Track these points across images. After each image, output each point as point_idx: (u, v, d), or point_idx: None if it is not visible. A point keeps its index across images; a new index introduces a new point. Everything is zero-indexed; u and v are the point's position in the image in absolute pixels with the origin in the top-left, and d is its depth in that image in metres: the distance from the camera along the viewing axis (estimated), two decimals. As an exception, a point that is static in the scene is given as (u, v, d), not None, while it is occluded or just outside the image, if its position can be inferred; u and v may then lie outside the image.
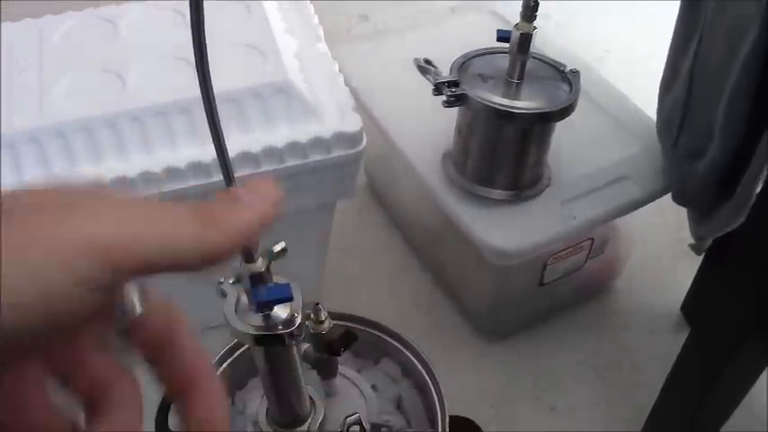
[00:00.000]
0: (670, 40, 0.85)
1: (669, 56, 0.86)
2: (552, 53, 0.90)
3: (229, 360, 0.82)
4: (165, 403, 0.79)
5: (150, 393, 0.96)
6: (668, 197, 0.90)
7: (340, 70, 0.89)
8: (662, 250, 1.15)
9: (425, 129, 0.95)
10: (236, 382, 0.84)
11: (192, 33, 0.43)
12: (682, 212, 0.93)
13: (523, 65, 0.82)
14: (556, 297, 1.01)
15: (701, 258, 0.97)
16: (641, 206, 0.90)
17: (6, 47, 0.85)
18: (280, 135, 0.79)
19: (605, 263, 1.02)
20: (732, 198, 0.75)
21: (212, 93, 0.45)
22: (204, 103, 0.46)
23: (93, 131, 0.76)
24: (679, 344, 0.83)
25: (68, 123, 0.76)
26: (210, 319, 0.98)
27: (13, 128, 0.75)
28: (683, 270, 1.06)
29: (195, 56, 0.43)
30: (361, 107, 0.96)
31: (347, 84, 0.88)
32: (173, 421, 0.78)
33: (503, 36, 0.81)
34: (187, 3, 0.41)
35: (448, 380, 0.80)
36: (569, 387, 0.99)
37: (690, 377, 0.81)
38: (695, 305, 1.04)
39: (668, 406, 0.84)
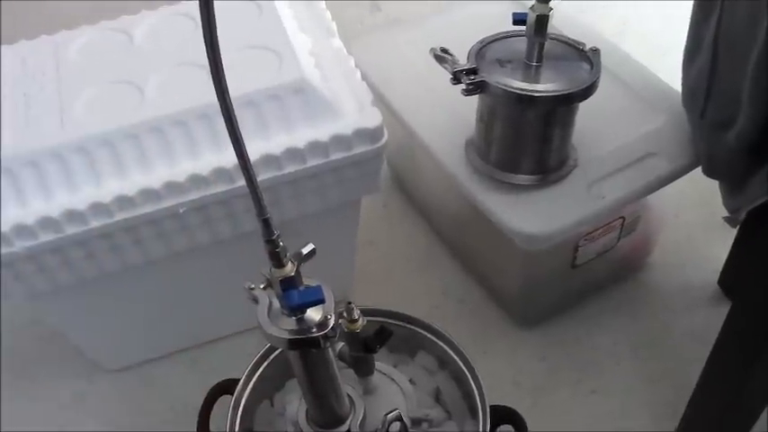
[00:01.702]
0: (691, 10, 0.83)
1: (691, 25, 0.84)
2: (570, 32, 0.88)
3: (267, 362, 0.82)
4: (206, 406, 0.80)
5: (188, 394, 0.97)
6: (700, 170, 0.89)
7: (356, 65, 0.88)
8: (695, 224, 1.13)
9: (446, 118, 0.95)
10: (273, 383, 0.84)
11: (205, 40, 0.42)
12: (713, 183, 0.91)
13: (541, 47, 0.81)
14: (589, 279, 1.00)
15: (736, 230, 0.95)
16: (671, 181, 0.89)
17: (24, 64, 0.86)
18: (300, 135, 0.79)
19: (638, 241, 1.00)
20: (764, 167, 0.74)
21: (229, 99, 0.45)
22: (222, 109, 0.46)
23: (114, 145, 0.76)
24: (718, 318, 0.82)
25: (90, 138, 0.76)
26: (245, 322, 0.99)
27: (35, 146, 0.76)
28: (718, 243, 1.04)
29: (210, 63, 0.43)
30: (380, 100, 0.96)
31: (364, 78, 0.87)
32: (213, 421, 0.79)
33: (519, 19, 0.80)
34: (197, 7, 0.41)
35: (483, 368, 0.79)
36: (608, 369, 0.98)
37: (733, 353, 0.80)
38: (733, 278, 1.02)
39: (712, 383, 0.82)
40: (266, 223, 0.51)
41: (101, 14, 0.94)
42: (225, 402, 0.79)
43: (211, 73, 0.44)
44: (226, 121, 0.46)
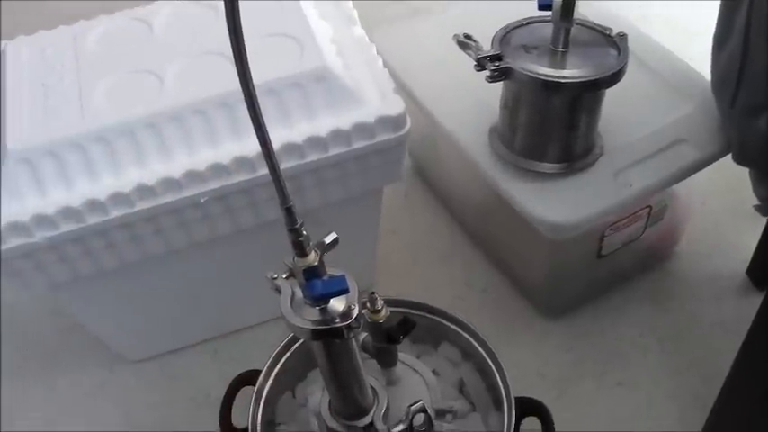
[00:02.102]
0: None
1: (721, 11, 0.82)
2: (596, 17, 0.87)
3: (289, 352, 0.81)
4: (228, 397, 0.80)
5: (209, 385, 0.97)
6: (727, 157, 0.87)
7: (378, 53, 0.87)
8: (723, 213, 1.11)
9: (469, 105, 0.93)
10: (296, 374, 0.84)
11: (228, 28, 0.42)
12: (743, 171, 0.90)
13: (567, 32, 0.79)
14: (615, 268, 0.98)
15: (766, 219, 0.93)
16: (699, 169, 0.87)
17: (43, 54, 0.85)
18: (322, 124, 0.78)
19: (664, 230, 0.98)
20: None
21: (253, 87, 0.44)
22: (245, 97, 0.45)
23: (134, 134, 0.76)
24: (747, 308, 0.80)
25: (110, 127, 0.76)
26: (267, 313, 0.98)
27: (55, 135, 0.75)
28: (746, 232, 1.02)
29: (233, 51, 0.42)
30: (402, 89, 0.94)
31: (386, 66, 0.86)
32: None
33: (544, 4, 0.78)
34: (218, -4, 0.40)
35: (507, 359, 0.78)
36: (635, 360, 0.97)
37: (766, 344, 0.78)
38: (762, 268, 1.00)
39: (744, 375, 0.80)
40: (289, 212, 0.51)
41: (104, 9, 0.93)
42: (247, 393, 0.79)
43: (235, 61, 0.43)
44: (249, 110, 0.45)
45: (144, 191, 0.75)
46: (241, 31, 0.42)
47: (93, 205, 0.75)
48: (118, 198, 0.75)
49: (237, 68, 0.43)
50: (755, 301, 0.80)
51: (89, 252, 0.79)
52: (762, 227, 0.96)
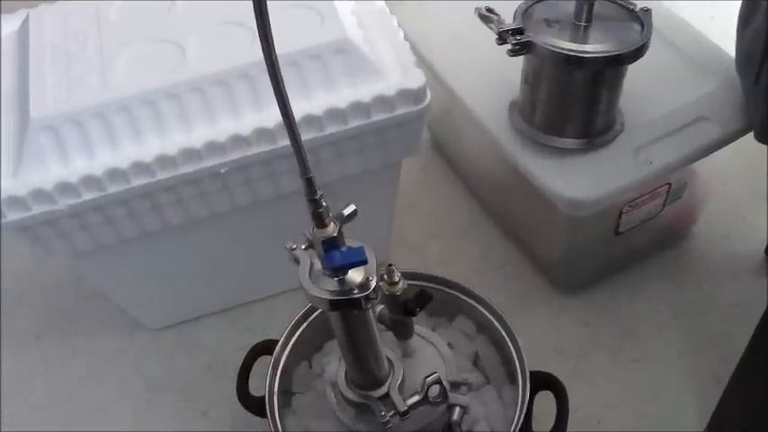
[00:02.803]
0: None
1: (747, -13, 0.81)
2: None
3: (305, 323, 0.82)
4: (245, 366, 0.81)
5: (226, 354, 0.98)
6: (749, 137, 0.86)
7: (399, 25, 0.86)
8: (743, 192, 1.10)
9: (489, 79, 0.93)
10: (312, 345, 0.85)
11: (254, 5, 0.41)
12: (763, 151, 0.89)
13: (591, 6, 0.78)
14: (632, 246, 0.98)
15: (786, 198, 0.93)
16: (721, 147, 0.86)
17: (65, 24, 0.86)
18: (342, 96, 0.78)
19: (683, 208, 0.98)
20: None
21: (276, 57, 0.44)
22: (268, 69, 0.45)
23: (156, 104, 0.76)
24: (764, 289, 0.80)
25: (132, 97, 0.76)
26: (284, 284, 0.99)
27: (78, 105, 0.76)
28: (766, 212, 1.02)
29: (257, 25, 0.42)
30: (422, 61, 0.94)
31: (407, 38, 0.85)
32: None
33: (568, -23, 0.77)
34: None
35: (524, 334, 0.79)
36: (651, 338, 0.97)
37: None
38: (781, 248, 0.99)
39: (759, 355, 0.80)
40: (309, 182, 0.51)
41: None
42: (264, 363, 0.80)
43: (259, 33, 0.43)
44: (272, 80, 0.45)
45: (165, 160, 0.76)
46: (266, 4, 0.42)
47: (115, 174, 0.75)
48: (139, 167, 0.76)
49: (261, 40, 0.43)
50: (773, 281, 0.80)
51: (110, 220, 0.80)
52: (782, 206, 0.96)
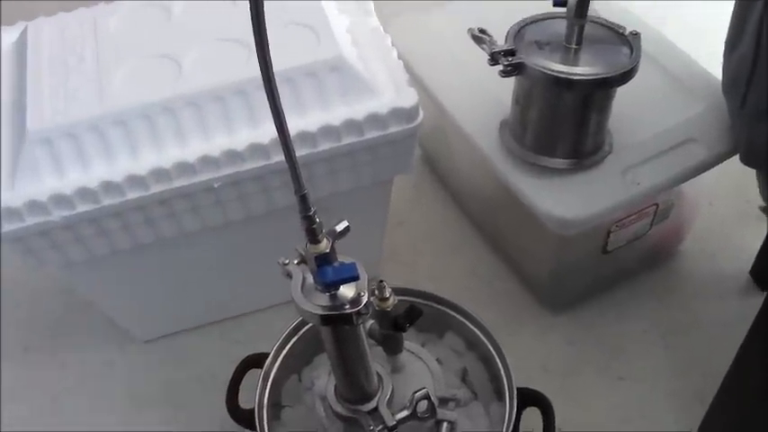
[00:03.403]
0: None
1: (734, 13, 0.83)
2: (610, 14, 0.87)
3: (296, 337, 0.83)
4: (235, 379, 0.81)
5: (217, 367, 0.98)
6: (735, 158, 0.87)
7: (393, 44, 0.88)
8: (729, 213, 1.12)
9: (481, 99, 0.94)
10: (302, 358, 0.85)
11: (252, 18, 0.42)
12: (750, 173, 0.90)
13: (581, 29, 0.80)
14: (620, 264, 0.99)
15: (771, 220, 0.94)
16: (707, 169, 0.88)
17: (63, 36, 0.86)
18: (336, 113, 0.79)
19: (670, 228, 0.99)
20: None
21: (273, 75, 0.45)
22: (265, 86, 0.46)
23: (151, 118, 0.77)
24: (749, 308, 0.81)
25: (128, 111, 0.77)
26: (274, 297, 1.00)
27: (74, 117, 0.77)
28: (751, 233, 1.03)
29: (255, 42, 0.43)
30: (415, 81, 0.95)
31: (401, 57, 0.86)
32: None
33: (559, 0, 0.79)
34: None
35: (512, 351, 0.79)
36: (637, 355, 0.98)
37: (765, 344, 0.79)
38: (766, 269, 1.00)
39: (742, 374, 0.81)
40: (303, 199, 0.52)
41: None
42: (254, 375, 0.81)
43: (257, 49, 0.44)
44: (268, 96, 0.46)
45: (159, 174, 0.77)
46: (264, 21, 0.42)
47: (109, 187, 0.76)
48: (133, 180, 0.76)
49: (259, 56, 0.44)
50: (758, 301, 0.81)
51: (104, 232, 0.80)
52: (766, 228, 0.97)
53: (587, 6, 0.77)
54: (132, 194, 0.77)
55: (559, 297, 1.02)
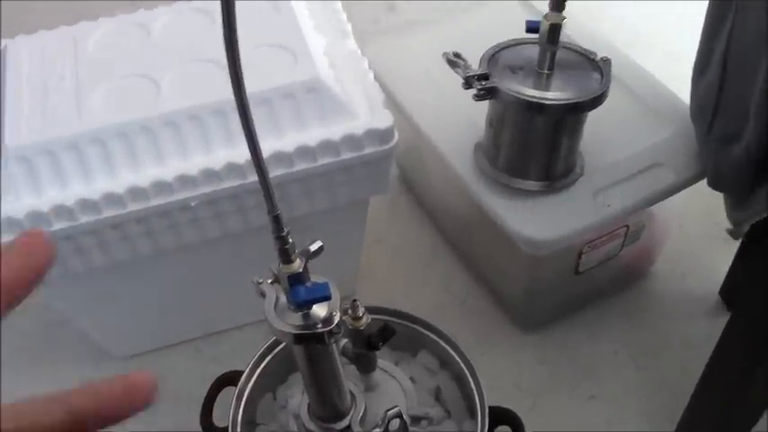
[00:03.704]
0: (702, 23, 0.84)
1: (702, 39, 0.85)
2: (581, 39, 0.89)
3: (270, 355, 0.83)
4: (210, 396, 0.81)
5: (191, 384, 0.98)
6: (704, 181, 0.89)
7: (370, 66, 0.89)
8: (698, 235, 1.14)
9: (456, 121, 0.96)
10: (277, 377, 0.86)
11: (225, 38, 0.43)
12: (718, 196, 0.92)
13: (553, 55, 0.82)
14: (592, 285, 1.01)
15: (738, 242, 0.96)
16: (676, 192, 0.90)
17: (43, 54, 0.87)
18: (312, 134, 0.80)
19: (641, 249, 1.01)
20: (769, 182, 0.75)
21: (245, 96, 0.46)
22: (238, 107, 0.47)
23: (129, 137, 0.77)
24: (718, 329, 0.83)
25: (106, 129, 0.77)
26: (250, 315, 1.00)
27: (52, 135, 0.77)
28: (720, 254, 1.05)
29: (229, 64, 0.44)
30: (392, 102, 0.97)
31: (377, 79, 0.88)
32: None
33: (532, 27, 0.81)
34: (215, 3, 0.42)
35: (485, 370, 0.80)
36: (608, 376, 0.99)
37: (730, 364, 0.81)
38: (734, 290, 1.02)
39: (708, 393, 0.83)
40: (277, 219, 0.53)
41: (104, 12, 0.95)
42: (228, 393, 0.81)
43: (229, 70, 0.45)
44: (241, 117, 0.47)
45: (136, 192, 0.77)
46: (237, 42, 0.43)
47: (86, 204, 0.77)
48: (111, 198, 0.77)
49: (232, 77, 0.45)
50: (726, 321, 0.83)
51: (80, 250, 0.81)
52: (734, 250, 0.99)
53: (559, 33, 0.79)
54: (109, 212, 0.78)
55: (532, 316, 1.04)
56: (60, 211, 0.76)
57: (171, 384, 1.00)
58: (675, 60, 1.31)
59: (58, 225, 0.77)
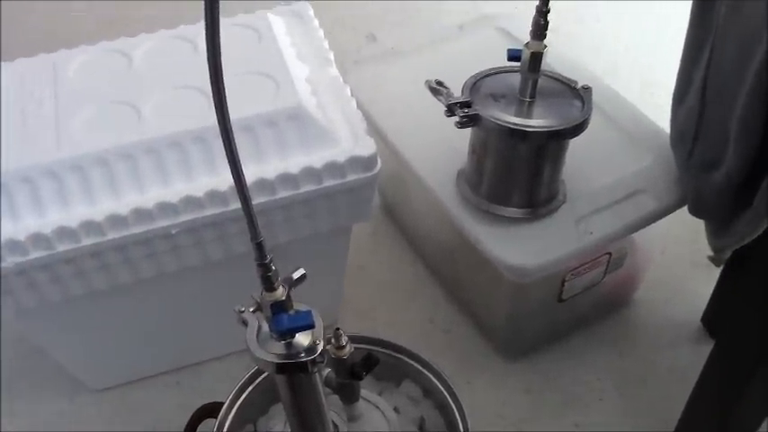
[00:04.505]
0: (682, 51, 0.85)
1: (681, 66, 0.86)
2: (562, 68, 0.90)
3: (252, 386, 0.82)
4: (190, 428, 0.80)
5: (171, 417, 0.96)
6: (685, 208, 0.90)
7: (352, 94, 0.89)
8: (681, 262, 1.14)
9: (439, 149, 0.96)
10: (258, 408, 0.84)
11: (209, 65, 0.43)
12: (700, 222, 0.93)
13: (535, 83, 0.82)
14: (575, 313, 1.01)
15: (720, 269, 0.96)
16: (657, 219, 0.90)
17: (22, 81, 0.86)
18: (294, 161, 0.80)
19: (624, 277, 1.01)
20: (749, 208, 0.75)
21: (230, 124, 0.46)
22: (222, 134, 0.47)
23: (109, 164, 0.77)
24: (701, 356, 0.83)
25: (85, 156, 0.77)
26: (231, 345, 0.99)
27: (31, 162, 0.76)
28: (702, 281, 1.06)
29: (212, 89, 0.44)
30: (375, 129, 0.97)
31: (360, 107, 0.88)
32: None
33: (513, 55, 0.81)
34: (198, 31, 0.42)
35: (468, 398, 0.79)
36: (591, 403, 0.98)
37: (715, 391, 0.80)
38: (716, 316, 1.03)
39: (694, 421, 0.83)
40: (259, 247, 0.52)
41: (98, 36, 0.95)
42: (209, 425, 0.79)
43: (213, 97, 0.44)
44: (225, 145, 0.47)
45: (115, 220, 0.76)
46: (221, 69, 0.43)
47: (64, 232, 0.75)
48: (89, 226, 0.76)
49: (216, 104, 0.45)
50: (709, 349, 0.83)
51: (57, 279, 0.79)
52: (716, 277, 1.00)
53: (540, 61, 0.80)
54: (88, 240, 0.77)
55: (515, 344, 1.03)
56: (37, 239, 0.75)
57: (149, 417, 0.98)
58: (653, 89, 1.34)
59: (34, 254, 0.75)
